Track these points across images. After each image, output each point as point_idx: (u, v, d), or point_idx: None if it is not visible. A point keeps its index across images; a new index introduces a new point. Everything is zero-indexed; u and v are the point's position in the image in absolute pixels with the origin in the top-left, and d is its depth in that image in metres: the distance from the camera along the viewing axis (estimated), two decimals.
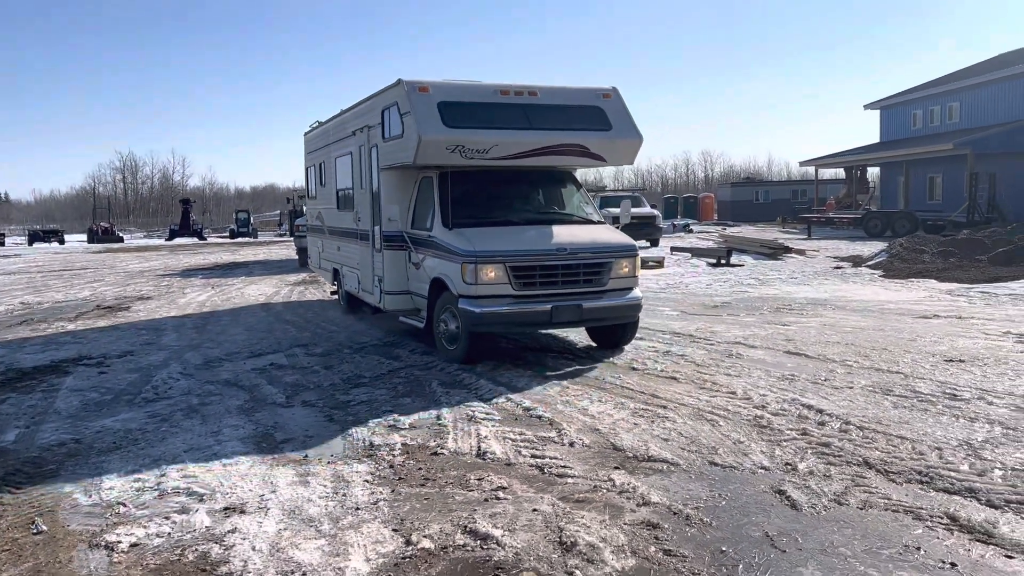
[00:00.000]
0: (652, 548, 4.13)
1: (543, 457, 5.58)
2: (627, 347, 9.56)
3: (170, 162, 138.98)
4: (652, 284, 17.06)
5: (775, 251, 23.71)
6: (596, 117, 9.84)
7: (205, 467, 5.55)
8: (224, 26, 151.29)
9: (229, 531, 4.44)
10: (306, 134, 15.87)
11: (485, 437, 6.06)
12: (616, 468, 5.35)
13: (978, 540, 4.13)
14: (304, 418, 6.82)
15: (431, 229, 9.30)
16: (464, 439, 6.06)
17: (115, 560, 4.12)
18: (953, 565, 3.86)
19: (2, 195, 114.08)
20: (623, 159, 10.45)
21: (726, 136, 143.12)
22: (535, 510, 4.65)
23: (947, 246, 20.17)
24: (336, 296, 14.29)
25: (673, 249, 25.70)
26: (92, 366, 9.29)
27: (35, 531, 4.51)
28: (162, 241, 52.57)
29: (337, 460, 5.66)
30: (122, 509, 4.81)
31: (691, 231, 40.07)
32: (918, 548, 4.05)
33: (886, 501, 4.66)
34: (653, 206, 33.49)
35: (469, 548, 4.18)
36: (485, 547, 4.18)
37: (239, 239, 51.25)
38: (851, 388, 7.30)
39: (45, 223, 73.99)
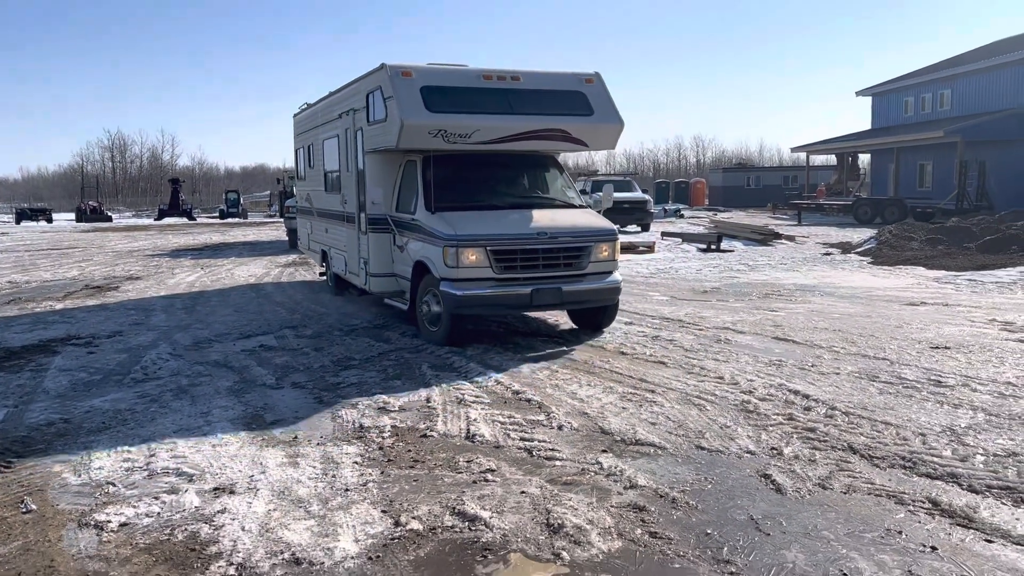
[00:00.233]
0: (638, 530, 4.18)
1: (532, 440, 5.62)
2: (616, 332, 9.61)
3: (159, 141, 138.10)
4: (642, 269, 17.11)
5: (765, 237, 23.79)
6: (578, 102, 9.93)
7: (195, 448, 5.56)
8: (215, 3, 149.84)
9: (219, 511, 4.46)
10: (296, 115, 15.88)
11: (474, 420, 6.10)
12: (604, 451, 5.39)
13: (959, 524, 4.20)
14: (294, 400, 6.83)
15: (415, 212, 9.40)
16: (453, 422, 6.10)
17: (104, 539, 4.14)
18: (934, 549, 3.93)
19: None
20: (605, 144, 10.53)
21: (718, 121, 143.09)
22: (523, 492, 4.69)
23: (935, 234, 20.28)
24: (325, 277, 14.44)
25: (664, 234, 25.75)
26: (81, 346, 9.27)
27: (24, 510, 4.52)
28: (151, 221, 52.20)
29: (327, 442, 5.69)
30: (111, 489, 4.83)
31: (682, 216, 40.12)
32: (900, 532, 4.12)
33: (869, 486, 4.73)
34: (644, 191, 33.45)
35: (457, 529, 4.22)
36: (473, 528, 4.22)
37: (229, 220, 50.97)
38: (837, 374, 7.36)
39: (32, 201, 73.45)
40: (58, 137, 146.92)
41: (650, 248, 21.46)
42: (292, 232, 22.44)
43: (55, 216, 54.17)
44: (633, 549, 3.98)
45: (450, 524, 4.27)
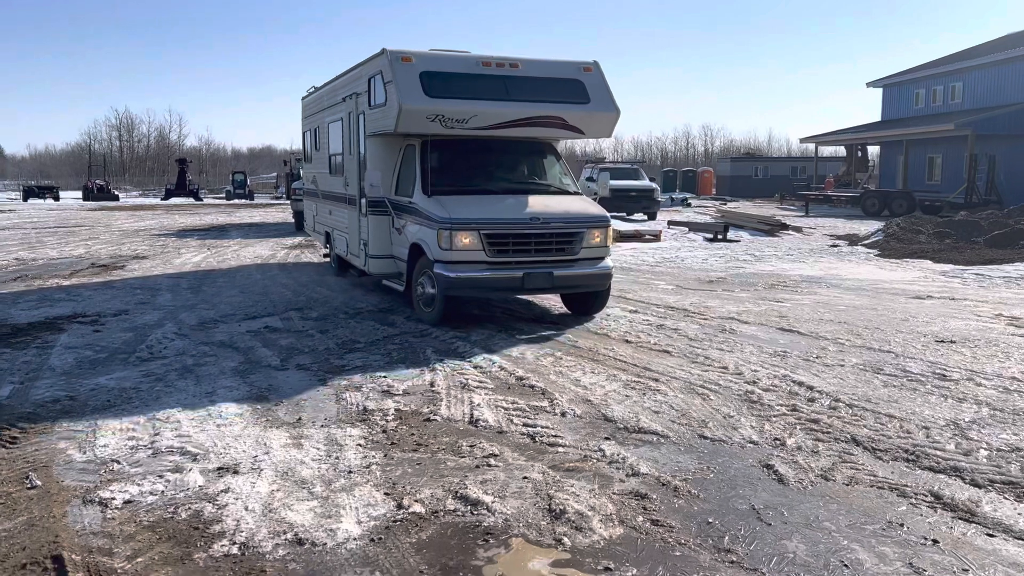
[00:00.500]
0: (640, 518, 4.19)
1: (535, 426, 5.63)
2: (621, 320, 9.61)
3: (167, 120, 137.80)
4: (648, 257, 17.08)
5: (772, 227, 23.71)
6: (575, 90, 10.04)
7: (199, 427, 5.59)
8: None
9: (222, 491, 4.48)
10: (304, 98, 16.04)
11: (478, 405, 6.11)
12: (606, 439, 5.40)
13: (961, 518, 4.20)
14: (298, 381, 6.85)
15: (412, 196, 9.56)
16: (457, 406, 6.11)
17: (108, 516, 4.17)
18: (935, 542, 3.93)
19: None
20: (600, 132, 10.66)
21: (727, 110, 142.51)
22: (525, 478, 4.70)
23: (944, 227, 20.20)
24: (329, 259, 14.62)
25: (670, 223, 25.67)
26: (87, 324, 9.30)
27: (29, 486, 4.55)
28: (158, 200, 52.25)
29: (330, 424, 5.70)
30: (116, 466, 4.85)
31: (690, 205, 40.01)
32: (901, 524, 4.12)
33: (872, 478, 4.73)
34: (652, 179, 33.36)
35: (460, 513, 4.23)
36: (475, 512, 4.23)
37: (235, 201, 50.97)
38: (842, 366, 7.35)
39: (40, 178, 73.59)
40: (66, 115, 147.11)
41: (656, 237, 21.41)
42: (298, 214, 22.45)
43: (62, 194, 54.23)
44: (634, 536, 3.99)
45: (452, 508, 4.29)
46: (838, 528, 4.07)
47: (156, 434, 5.42)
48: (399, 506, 4.29)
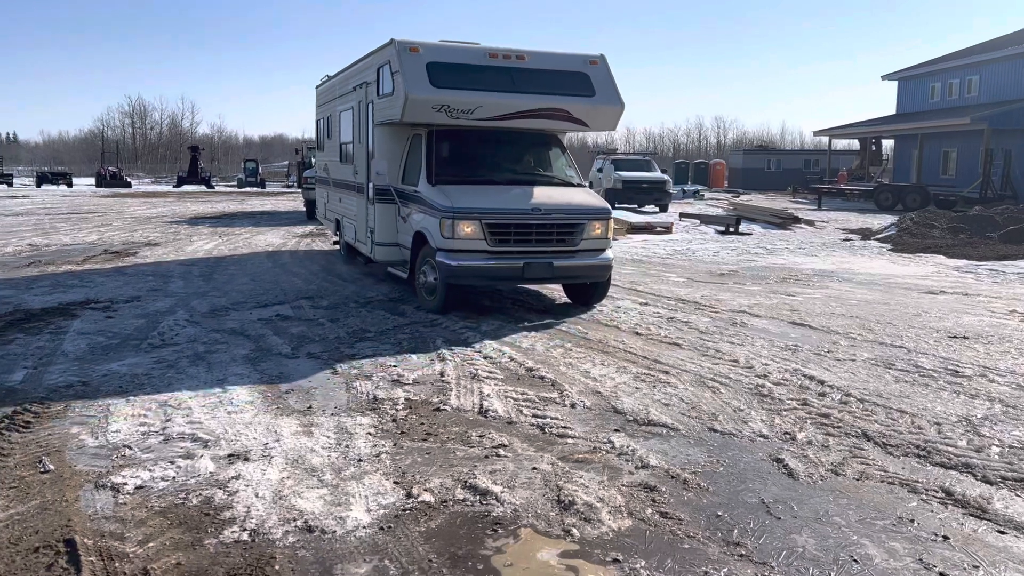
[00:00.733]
0: (649, 510, 4.19)
1: (544, 417, 5.63)
2: (631, 312, 9.60)
3: (179, 108, 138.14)
4: (659, 250, 17.03)
5: (784, 221, 23.61)
6: (581, 83, 10.10)
7: (210, 414, 5.62)
8: None
9: (233, 477, 4.51)
10: (317, 87, 16.19)
11: (488, 395, 6.11)
12: (616, 431, 5.40)
13: (972, 515, 4.18)
14: (309, 369, 6.87)
15: (418, 185, 9.66)
16: (467, 396, 6.12)
17: (120, 501, 4.20)
18: (946, 538, 3.91)
19: (11, 135, 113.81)
20: (605, 125, 10.77)
21: (740, 102, 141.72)
22: (535, 468, 4.71)
23: (958, 222, 20.05)
24: (338, 246, 14.76)
25: (682, 215, 25.58)
26: (99, 310, 9.35)
27: (42, 470, 4.58)
28: (170, 188, 52.39)
29: (341, 412, 5.72)
30: (128, 452, 4.88)
31: (703, 197, 39.85)
32: (912, 520, 4.10)
33: (882, 473, 4.71)
34: (664, 171, 33.24)
35: (469, 503, 4.24)
36: (484, 502, 4.24)
37: (247, 189, 51.07)
38: (853, 360, 7.32)
39: (53, 165, 73.93)
40: (79, 102, 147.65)
41: (668, 229, 21.34)
42: (310, 203, 22.49)
43: (75, 181, 54.45)
44: (643, 529, 3.99)
45: (461, 497, 4.30)
46: (848, 523, 4.06)
47: (168, 420, 5.46)
48: (408, 495, 4.31)
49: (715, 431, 5.42)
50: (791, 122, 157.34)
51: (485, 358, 7.29)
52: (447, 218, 8.82)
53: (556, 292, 10.84)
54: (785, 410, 5.86)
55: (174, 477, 4.51)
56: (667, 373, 6.82)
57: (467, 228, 8.82)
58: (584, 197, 9.72)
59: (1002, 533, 3.98)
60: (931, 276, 13.34)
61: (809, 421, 5.62)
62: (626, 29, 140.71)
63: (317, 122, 16.33)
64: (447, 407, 5.87)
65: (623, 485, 4.50)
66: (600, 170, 30.58)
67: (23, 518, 3.98)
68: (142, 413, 5.60)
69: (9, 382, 6.33)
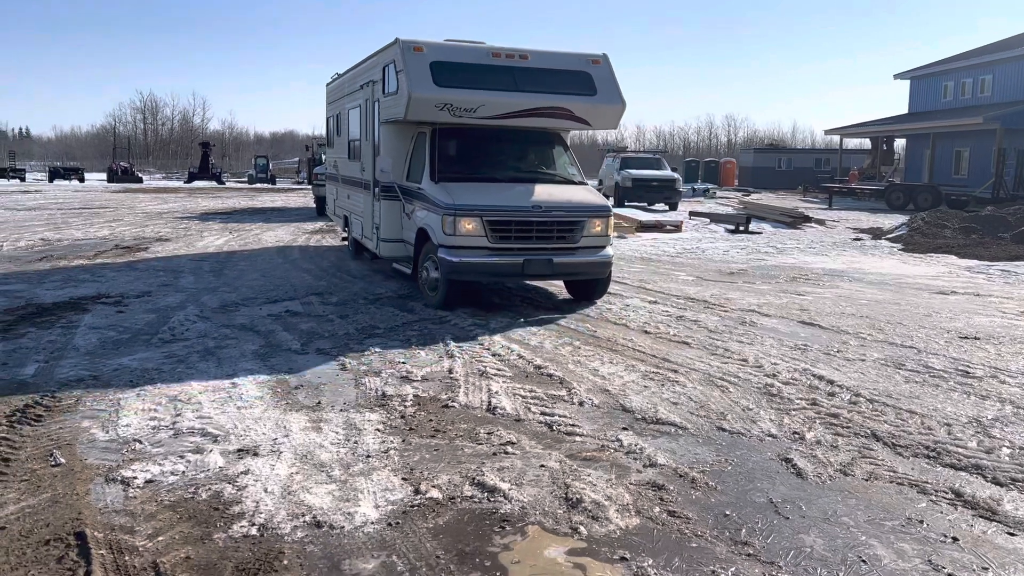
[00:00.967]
0: (657, 509, 4.18)
1: (552, 415, 5.63)
2: (640, 310, 9.58)
3: (191, 104, 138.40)
4: (669, 248, 17.00)
5: (794, 220, 23.51)
6: (583, 82, 10.21)
7: (220, 409, 5.64)
8: None
9: (242, 472, 4.53)
10: (328, 84, 16.33)
11: (496, 392, 6.12)
12: (624, 429, 5.39)
13: (981, 516, 4.16)
14: (318, 365, 6.89)
15: (421, 182, 9.80)
16: (475, 393, 6.12)
17: (130, 495, 4.22)
18: (955, 540, 3.89)
19: (23, 130, 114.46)
20: (607, 123, 10.91)
21: (751, 101, 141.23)
22: (542, 466, 4.71)
23: (970, 222, 19.91)
24: (347, 242, 14.86)
25: (692, 214, 25.51)
26: (110, 305, 9.40)
27: (53, 463, 4.61)
28: (181, 183, 52.62)
29: (349, 408, 5.74)
30: (138, 446, 4.91)
31: (714, 196, 39.74)
32: (921, 521, 4.09)
33: (892, 474, 4.69)
34: (674, 169, 33.18)
35: (476, 500, 4.25)
36: (492, 499, 4.25)
37: (257, 185, 51.25)
38: (863, 360, 7.29)
39: (65, 160, 74.32)
40: (91, 98, 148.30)
41: (677, 227, 21.29)
42: (320, 199, 22.55)
43: (87, 176, 54.76)
44: (651, 527, 3.99)
45: (469, 494, 4.31)
46: (856, 523, 4.05)
47: (178, 415, 5.48)
48: (416, 491, 4.32)
49: (724, 430, 5.41)
50: (802, 121, 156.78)
51: (493, 355, 7.29)
52: (448, 215, 8.94)
53: (564, 290, 10.83)
54: (794, 410, 5.84)
55: (184, 471, 4.53)
56: (676, 372, 6.81)
57: (468, 225, 8.93)
58: (584, 195, 9.82)
59: (1012, 535, 3.96)
60: (942, 276, 13.27)
61: (818, 421, 5.60)
62: (638, 27, 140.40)
63: (327, 119, 16.46)
64: (455, 404, 5.88)
65: (631, 483, 4.50)
66: (611, 168, 30.60)
67: (34, 511, 4.01)
68: (152, 407, 5.63)
69: (21, 376, 6.37)
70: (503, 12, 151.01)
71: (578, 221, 9.32)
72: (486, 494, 4.31)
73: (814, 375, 6.73)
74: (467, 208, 8.95)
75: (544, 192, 9.49)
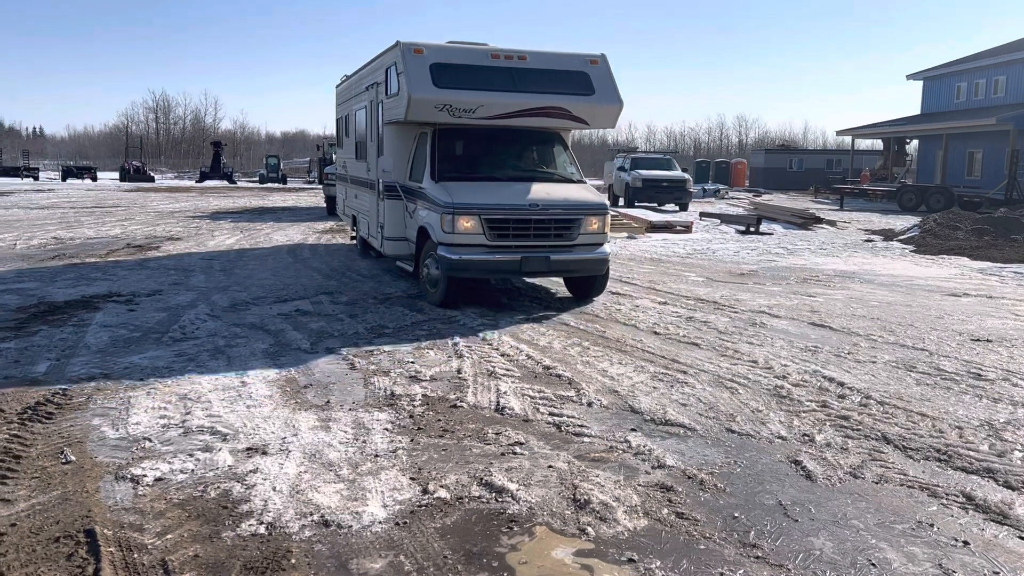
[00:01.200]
0: (665, 510, 4.17)
1: (561, 415, 5.63)
2: (650, 311, 9.56)
3: (203, 103, 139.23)
4: (679, 249, 16.96)
5: (806, 221, 23.40)
6: (581, 82, 10.34)
7: (229, 407, 5.66)
8: None
9: (251, 471, 4.54)
10: (337, 86, 16.53)
11: (504, 393, 6.11)
12: (633, 430, 5.38)
13: (993, 520, 4.13)
14: (327, 365, 6.91)
15: (422, 181, 9.95)
16: (484, 393, 6.12)
17: (140, 493, 4.24)
18: (966, 543, 3.87)
19: (37, 129, 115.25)
20: (604, 123, 11.06)
21: (762, 101, 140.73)
22: (551, 467, 4.71)
23: (982, 224, 19.77)
24: (355, 241, 15.05)
25: (702, 215, 25.44)
26: (121, 303, 9.45)
27: (64, 460, 4.64)
28: (192, 183, 52.86)
29: (358, 408, 5.75)
30: (148, 444, 4.93)
31: (724, 196, 39.62)
32: (931, 525, 4.06)
33: (902, 477, 4.66)
34: (684, 170, 33.09)
35: (484, 500, 4.25)
36: (500, 500, 4.24)
37: (268, 184, 51.41)
38: (874, 363, 7.25)
39: (78, 159, 74.80)
40: (104, 97, 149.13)
41: (688, 228, 21.23)
42: (330, 199, 22.60)
43: (99, 175, 55.06)
44: (659, 529, 3.98)
45: (477, 494, 4.30)
46: (866, 526, 4.02)
47: (187, 413, 5.50)
48: (424, 491, 4.32)
49: (733, 432, 5.39)
50: (814, 121, 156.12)
51: (502, 355, 7.29)
52: (447, 213, 9.10)
53: (566, 289, 10.82)
54: (804, 412, 5.82)
55: (193, 470, 4.55)
56: (685, 373, 6.79)
57: (466, 223, 9.08)
58: (582, 193, 9.94)
59: (1023, 539, 3.93)
60: (954, 278, 13.18)
61: (828, 423, 5.57)
62: (647, 26, 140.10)
63: (337, 120, 16.63)
64: (464, 404, 5.88)
65: (639, 485, 4.49)
66: (620, 168, 30.57)
67: (44, 508, 4.03)
68: (162, 406, 5.66)
69: (33, 373, 6.41)
70: (525, 12, 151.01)
71: (575, 219, 9.43)
72: (494, 494, 4.30)
73: (824, 377, 6.70)
74: (465, 207, 9.10)
75: (542, 190, 9.60)
